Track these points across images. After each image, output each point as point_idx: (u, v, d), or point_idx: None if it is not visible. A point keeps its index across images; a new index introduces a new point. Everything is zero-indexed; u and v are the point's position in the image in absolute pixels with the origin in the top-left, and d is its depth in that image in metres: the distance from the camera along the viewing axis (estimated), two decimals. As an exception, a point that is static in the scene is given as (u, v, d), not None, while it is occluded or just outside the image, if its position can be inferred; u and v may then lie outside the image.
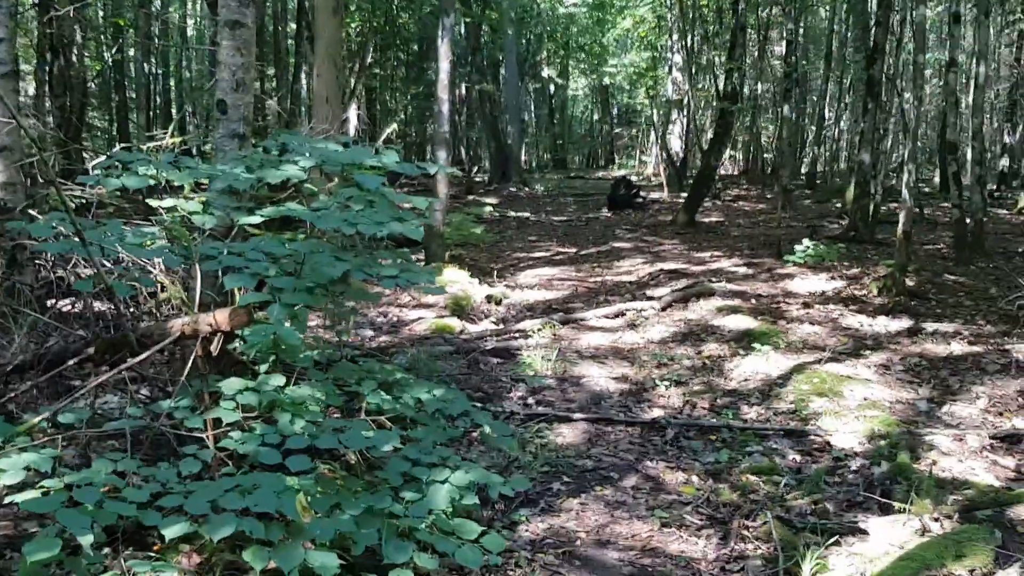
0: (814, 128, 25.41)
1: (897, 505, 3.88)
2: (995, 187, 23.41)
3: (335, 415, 4.38)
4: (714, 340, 7.23)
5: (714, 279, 10.10)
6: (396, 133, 31.26)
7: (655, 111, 24.56)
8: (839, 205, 19.89)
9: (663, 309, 8.41)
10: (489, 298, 8.80)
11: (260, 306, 3.55)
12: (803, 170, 25.72)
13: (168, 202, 4.25)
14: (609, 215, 17.67)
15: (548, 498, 4.20)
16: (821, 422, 5.20)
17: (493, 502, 4.01)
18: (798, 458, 4.77)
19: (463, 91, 24.32)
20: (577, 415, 5.30)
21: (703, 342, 7.20)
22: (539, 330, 7.40)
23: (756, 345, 6.83)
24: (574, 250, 12.81)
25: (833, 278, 10.17)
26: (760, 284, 9.91)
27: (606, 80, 33.78)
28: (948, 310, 8.68)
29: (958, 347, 7.03)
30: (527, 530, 3.85)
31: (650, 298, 9.04)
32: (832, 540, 3.67)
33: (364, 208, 4.19)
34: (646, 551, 3.70)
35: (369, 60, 26.54)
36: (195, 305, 3.69)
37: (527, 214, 17.50)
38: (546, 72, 32.44)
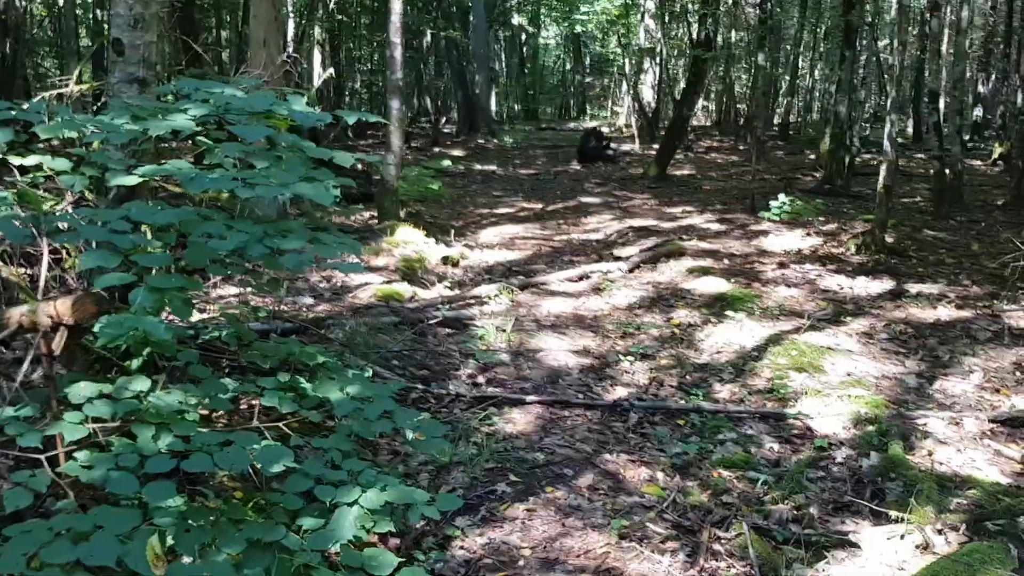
0: (787, 78, 24.66)
1: (893, 513, 3.29)
2: (968, 138, 22.90)
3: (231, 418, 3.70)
4: (684, 305, 6.61)
5: (685, 237, 9.47)
6: (362, 82, 30.09)
7: (627, 60, 23.65)
8: (812, 157, 19.28)
9: (631, 271, 7.77)
10: (445, 259, 8.10)
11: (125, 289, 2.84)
12: (776, 121, 25.02)
13: (32, 159, 3.50)
14: (579, 168, 16.93)
15: (491, 503, 3.58)
16: (801, 404, 4.61)
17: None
18: (776, 447, 4.18)
19: (428, 38, 23.25)
20: (531, 397, 4.67)
21: (672, 308, 6.58)
22: (496, 296, 6.73)
23: (730, 312, 6.23)
24: (540, 206, 12.10)
25: (809, 234, 9.58)
26: (733, 242, 9.29)
27: (578, 28, 32.69)
28: (930, 269, 8.13)
29: (945, 312, 6.47)
30: (462, 547, 3.23)
31: (617, 258, 8.39)
32: (818, 556, 3.09)
33: (271, 165, 3.46)
34: (600, 572, 3.09)
35: (332, 5, 25.31)
36: (39, 290, 2.96)
37: (493, 167, 16.71)
38: (516, 20, 31.26)
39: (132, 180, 3.29)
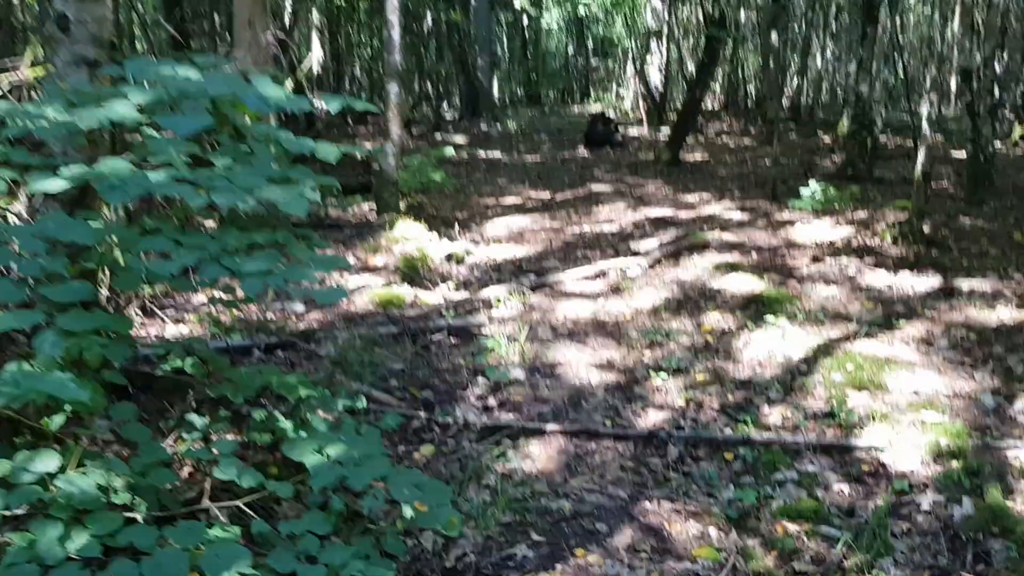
0: (797, 58, 23.79)
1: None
2: (984, 118, 22.07)
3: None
4: (715, 308, 5.90)
5: (706, 227, 8.74)
6: (362, 68, 29.24)
7: (633, 42, 22.81)
8: (827, 139, 18.50)
9: (651, 267, 7.06)
10: (449, 257, 7.40)
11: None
12: (785, 103, 24.17)
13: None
14: (586, 154, 16.15)
15: (509, 572, 2.90)
16: (868, 432, 3.91)
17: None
18: (846, 489, 3.49)
19: (430, 22, 22.41)
20: (551, 426, 3.98)
21: (702, 310, 5.88)
22: (505, 299, 6.03)
23: (768, 316, 5.52)
24: (548, 195, 11.37)
25: (839, 223, 8.85)
26: (758, 233, 8.56)
27: (581, 10, 31.77)
28: (975, 261, 7.40)
29: (1006, 313, 5.76)
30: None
31: (635, 253, 7.67)
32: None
33: (235, 163, 2.77)
34: (653, 676, 2.42)
35: (330, -11, 24.48)
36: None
37: (498, 154, 15.95)
38: (519, 3, 30.35)
39: (57, 185, 2.59)
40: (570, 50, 37.75)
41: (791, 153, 15.52)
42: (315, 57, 29.35)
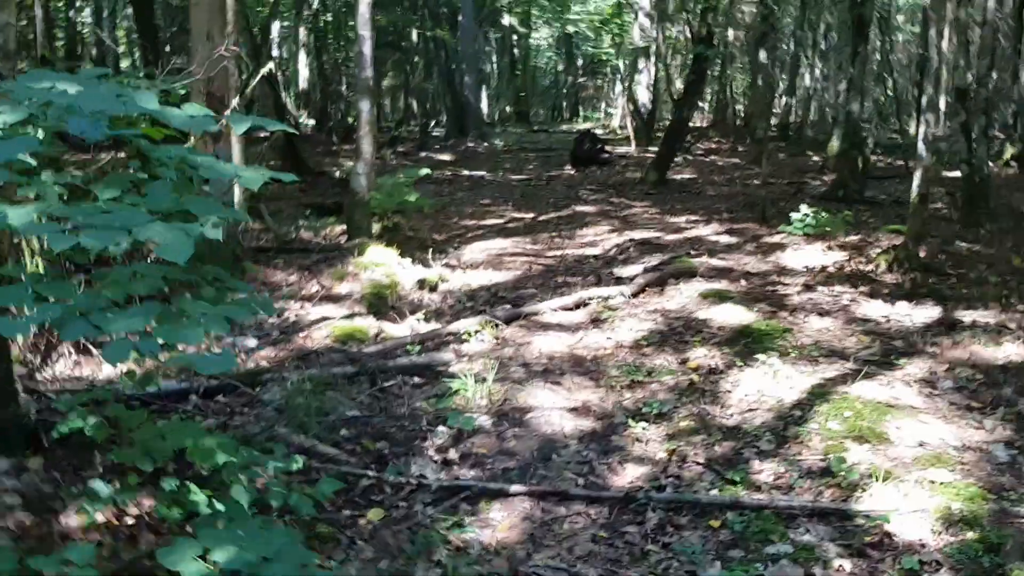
0: (785, 77, 23.53)
1: None
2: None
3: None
4: (702, 342, 5.46)
5: (693, 252, 8.32)
6: (348, 85, 28.84)
7: (621, 60, 22.52)
8: (816, 159, 18.16)
9: (635, 295, 6.62)
10: (422, 283, 6.95)
11: None
12: (773, 121, 23.89)
13: None
14: (572, 173, 15.78)
15: None
16: (870, 494, 3.46)
17: None
18: (848, 566, 3.03)
19: (416, 38, 22.07)
20: (516, 487, 3.52)
21: (687, 345, 5.43)
22: (477, 332, 5.57)
23: (759, 354, 5.08)
24: (531, 215, 10.95)
25: (830, 248, 8.44)
26: (748, 257, 8.14)
27: (570, 28, 31.59)
28: (975, 290, 6.97)
29: (1012, 348, 5.32)
30: None
31: (618, 280, 7.24)
32: None
33: (121, 195, 2.33)
34: None
35: (316, 5, 24.11)
36: None
37: (483, 172, 15.55)
38: (507, 20, 30.08)
39: None
40: (559, 68, 37.54)
41: (780, 173, 15.16)
42: (304, 76, 29.00)
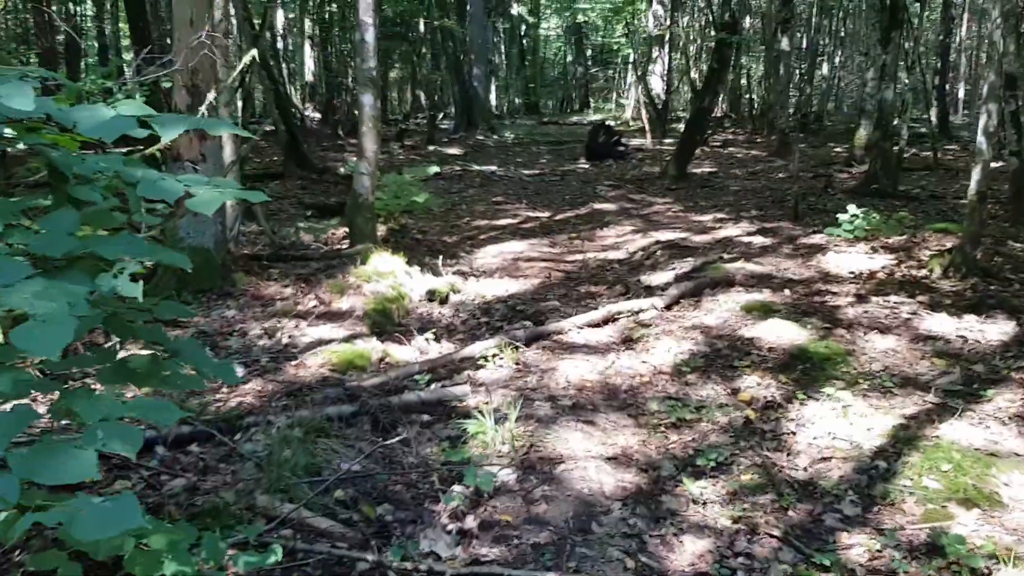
0: (804, 65, 22.65)
1: None
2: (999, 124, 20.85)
3: None
4: (752, 367, 4.71)
5: (726, 255, 7.56)
6: (354, 77, 28.06)
7: (634, 49, 21.68)
8: (838, 150, 17.33)
9: (668, 308, 5.88)
10: (432, 295, 6.22)
11: None
12: (791, 111, 23.01)
13: None
14: (587, 167, 15.00)
15: None
16: (1000, 584, 2.72)
17: None
18: None
19: (423, 28, 21.28)
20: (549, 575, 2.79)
21: (736, 371, 4.68)
22: (495, 356, 4.84)
23: (821, 384, 4.34)
24: (547, 214, 10.20)
25: (875, 250, 7.67)
26: (786, 262, 7.38)
27: (580, 18, 30.74)
28: (1045, 298, 6.21)
29: (1113, 374, 4.57)
30: None
31: (648, 289, 6.50)
32: None
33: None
34: None
35: (321, -5, 23.33)
36: None
37: (493, 167, 14.79)
38: (516, 10, 29.24)
39: None
40: (568, 59, 36.65)
41: (804, 166, 14.35)
42: (309, 68, 28.23)
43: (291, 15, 28.35)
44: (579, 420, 4.06)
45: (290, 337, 5.05)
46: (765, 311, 5.66)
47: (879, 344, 5.08)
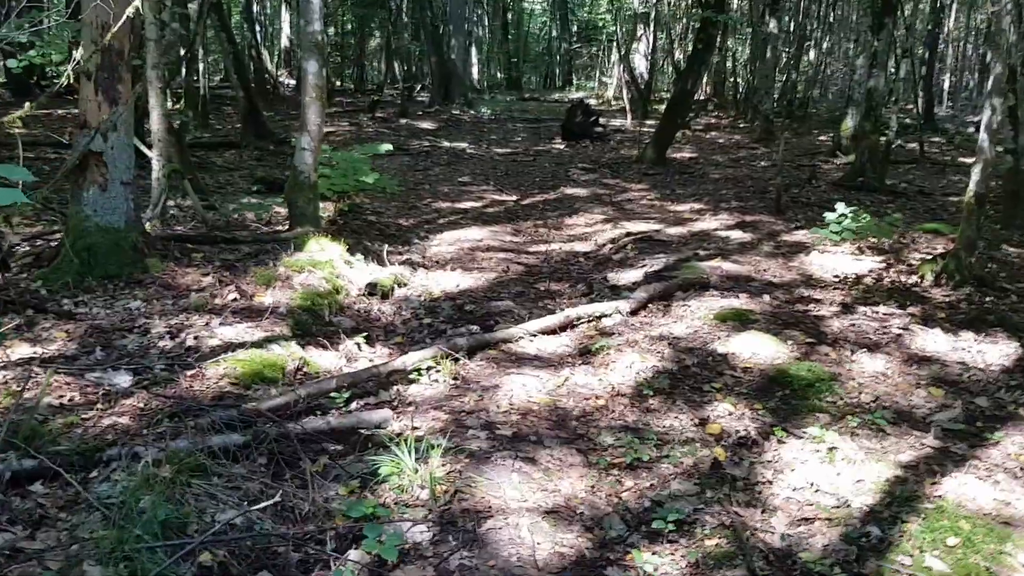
0: (790, 50, 21.92)
1: None
2: (979, 124, 20.26)
3: None
4: (724, 391, 4.07)
5: (701, 252, 6.91)
6: (334, 45, 26.98)
7: (618, 26, 20.85)
8: (822, 138, 16.70)
9: (634, 312, 5.22)
10: (372, 289, 5.51)
11: None
12: (776, 96, 22.31)
13: None
14: (563, 147, 14.27)
15: None
16: None
17: None
18: None
19: (399, -4, 20.36)
20: None
21: (706, 396, 4.04)
22: (430, 369, 4.16)
23: (803, 417, 3.70)
24: (515, 198, 9.49)
25: (861, 250, 7.06)
26: (766, 261, 6.74)
27: (565, -8, 29.80)
28: (1045, 314, 5.62)
29: None
30: None
31: (614, 289, 5.84)
32: None
33: None
34: None
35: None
36: None
37: (464, 144, 14.02)
38: (500, -19, 28.24)
39: None
40: (552, 34, 35.69)
41: (788, 155, 13.71)
42: (286, 33, 27.13)
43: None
44: (518, 456, 3.39)
45: (196, 338, 4.33)
46: (742, 321, 5.01)
47: (868, 366, 4.45)
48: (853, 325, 5.15)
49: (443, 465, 3.20)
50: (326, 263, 5.53)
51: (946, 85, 27.51)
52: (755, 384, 4.16)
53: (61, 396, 3.61)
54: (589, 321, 5.03)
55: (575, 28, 34.99)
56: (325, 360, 4.32)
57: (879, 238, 5.89)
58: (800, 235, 7.66)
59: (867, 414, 3.81)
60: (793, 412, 3.84)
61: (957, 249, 6.41)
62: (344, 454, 3.38)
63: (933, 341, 4.92)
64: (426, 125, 16.16)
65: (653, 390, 4.08)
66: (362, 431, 3.48)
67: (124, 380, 3.84)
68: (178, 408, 3.45)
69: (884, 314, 5.40)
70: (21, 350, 4.10)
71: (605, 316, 5.09)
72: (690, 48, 16.54)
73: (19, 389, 3.53)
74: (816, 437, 3.53)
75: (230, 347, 4.21)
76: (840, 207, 5.99)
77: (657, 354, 4.53)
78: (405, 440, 3.23)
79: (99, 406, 3.55)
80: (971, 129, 20.57)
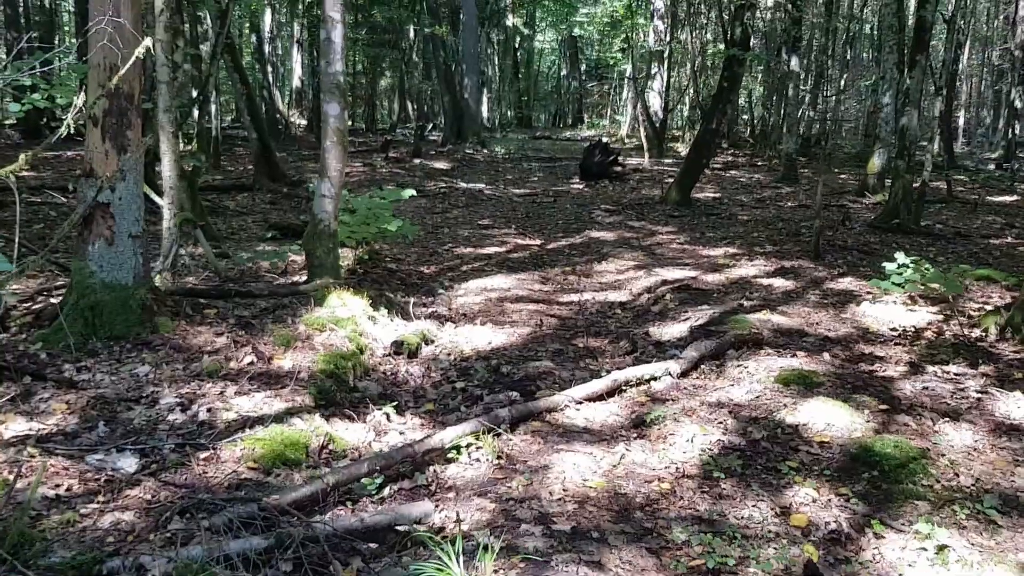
0: (807, 88, 21.70)
1: None
2: (1000, 161, 19.91)
3: None
4: (803, 471, 3.61)
5: (745, 303, 6.48)
6: (349, 86, 26.94)
7: (632, 65, 20.65)
8: (843, 177, 16.35)
9: (684, 374, 4.77)
10: (399, 347, 5.08)
11: None
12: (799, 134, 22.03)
13: None
14: (582, 187, 13.93)
15: None
16: None
17: None
18: None
19: (412, 35, 20.21)
20: None
21: (783, 478, 3.57)
22: (469, 446, 3.71)
23: (901, 506, 3.24)
24: (539, 242, 9.10)
25: (912, 299, 6.62)
26: (816, 312, 6.30)
27: (576, 31, 29.80)
28: None
29: None
30: None
31: (658, 345, 5.40)
32: None
33: None
34: None
35: (308, -1, 22.22)
36: None
37: (482, 185, 13.68)
38: (511, 21, 28.25)
39: None
40: (563, 72, 35.68)
41: (813, 194, 13.33)
42: (297, 73, 27.08)
43: (281, 18, 27.22)
44: (582, 560, 2.92)
45: (209, 410, 3.90)
46: (806, 384, 4.56)
47: (955, 438, 3.98)
48: (926, 388, 4.69)
49: (496, 572, 2.75)
50: (348, 320, 5.11)
51: (961, 122, 27.29)
52: (836, 463, 3.70)
53: (58, 485, 3.17)
54: (638, 384, 4.58)
55: (584, 67, 34.99)
56: (352, 434, 3.88)
57: (951, 292, 5.44)
58: (845, 282, 7.23)
59: (972, 501, 3.34)
60: (886, 499, 3.37)
61: (1022, 301, 5.97)
62: (379, 555, 2.93)
63: (1016, 407, 4.45)
64: (440, 165, 15.86)
65: (723, 471, 3.62)
66: (397, 529, 3.03)
67: (129, 464, 3.41)
68: (190, 502, 3.01)
69: (956, 374, 4.94)
70: (16, 425, 3.67)
71: (655, 379, 4.65)
72: (703, 84, 16.29)
73: (11, 478, 3.10)
74: (922, 533, 3.06)
75: (247, 422, 3.77)
76: (900, 257, 5.55)
77: (719, 425, 4.07)
78: (450, 540, 2.78)
79: (100, 498, 3.11)
80: (991, 167, 20.24)
